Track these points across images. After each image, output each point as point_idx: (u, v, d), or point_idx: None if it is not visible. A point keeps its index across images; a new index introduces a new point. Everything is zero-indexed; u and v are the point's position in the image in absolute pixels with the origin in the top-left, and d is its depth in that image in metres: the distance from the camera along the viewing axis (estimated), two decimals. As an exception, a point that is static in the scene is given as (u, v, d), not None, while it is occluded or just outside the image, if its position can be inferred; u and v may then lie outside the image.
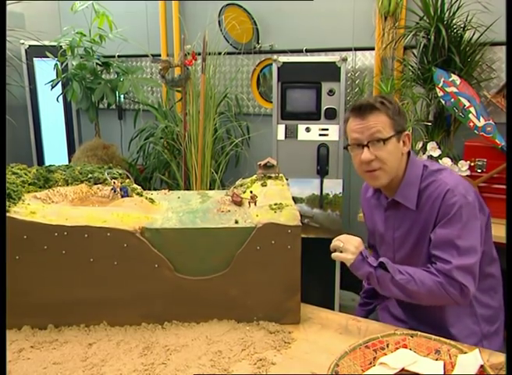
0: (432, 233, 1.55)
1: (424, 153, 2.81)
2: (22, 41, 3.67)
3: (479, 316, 1.67)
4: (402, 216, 1.65)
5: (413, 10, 2.93)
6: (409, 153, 1.66)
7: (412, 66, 3.00)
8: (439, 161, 2.76)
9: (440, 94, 2.72)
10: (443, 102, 2.73)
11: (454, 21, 2.76)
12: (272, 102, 3.59)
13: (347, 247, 1.57)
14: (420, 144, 2.83)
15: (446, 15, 2.76)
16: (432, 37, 2.73)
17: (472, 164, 2.73)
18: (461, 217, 1.51)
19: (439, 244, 1.52)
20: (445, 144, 2.90)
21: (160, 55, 3.96)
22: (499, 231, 2.50)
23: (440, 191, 1.55)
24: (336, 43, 3.41)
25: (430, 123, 2.90)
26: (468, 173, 2.73)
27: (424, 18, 2.84)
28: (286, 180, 2.02)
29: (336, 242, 1.60)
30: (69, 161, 3.96)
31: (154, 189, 3.77)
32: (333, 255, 1.60)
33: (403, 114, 1.64)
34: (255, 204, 1.71)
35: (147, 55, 3.90)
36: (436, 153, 2.77)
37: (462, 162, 2.74)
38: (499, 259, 1.76)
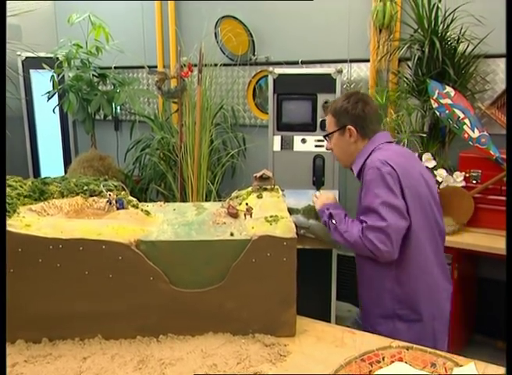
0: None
1: (419, 164, 2.82)
2: (18, 53, 3.68)
3: (395, 294, 1.82)
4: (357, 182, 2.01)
5: (407, 23, 2.96)
6: (376, 135, 1.92)
7: (407, 78, 3.03)
8: (435, 172, 2.77)
9: (435, 105, 2.74)
10: (438, 114, 2.75)
11: (448, 34, 2.80)
12: (267, 113, 3.60)
13: (317, 200, 2.04)
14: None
15: (440, 28, 2.79)
16: (427, 50, 2.76)
17: (467, 175, 2.75)
18: (375, 187, 1.76)
19: (362, 207, 1.82)
20: (440, 156, 2.92)
21: (156, 67, 3.98)
22: (496, 243, 2.52)
23: (366, 165, 1.85)
24: (331, 55, 3.44)
25: (425, 135, 2.92)
26: (463, 183, 2.74)
27: (419, 31, 2.87)
28: (282, 191, 2.03)
29: (314, 198, 2.09)
30: (65, 172, 3.95)
31: (151, 200, 3.77)
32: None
33: (347, 110, 1.90)
34: (251, 216, 1.71)
35: (143, 67, 3.92)
36: (431, 164, 2.78)
37: (457, 173, 2.76)
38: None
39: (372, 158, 1.84)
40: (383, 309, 1.85)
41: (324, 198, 2.01)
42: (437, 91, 2.73)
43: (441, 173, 2.77)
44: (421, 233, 1.79)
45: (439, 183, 2.77)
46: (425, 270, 1.82)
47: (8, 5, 2.65)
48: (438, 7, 2.76)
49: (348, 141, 1.93)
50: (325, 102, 3.03)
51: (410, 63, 3.01)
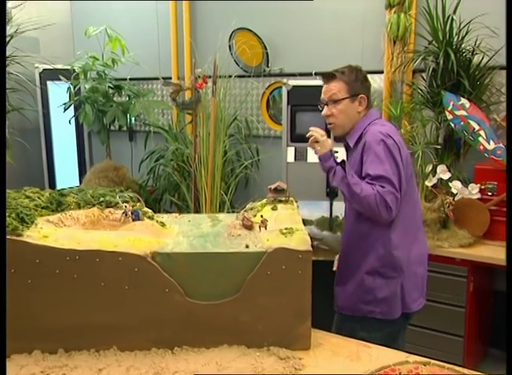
0: (364, 168, 1.90)
1: (433, 176, 2.80)
2: (36, 65, 3.74)
3: (379, 254, 1.94)
4: (350, 154, 2.05)
5: (421, 35, 2.96)
6: (371, 109, 2.05)
7: (421, 90, 3.02)
8: (449, 184, 2.75)
9: (450, 117, 2.73)
10: (453, 125, 2.74)
11: (463, 46, 2.79)
12: (281, 124, 3.61)
13: (324, 142, 1.94)
14: (430, 167, 2.82)
15: (455, 39, 2.79)
16: (441, 62, 2.75)
17: (483, 187, 2.73)
18: (384, 157, 1.87)
19: (375, 177, 1.85)
20: (455, 167, 2.90)
21: (171, 78, 4.02)
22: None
23: (365, 138, 1.93)
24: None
25: (440, 146, 2.90)
26: (479, 196, 2.72)
27: (433, 42, 2.86)
28: (296, 202, 2.02)
29: (316, 134, 1.95)
30: (80, 182, 4.00)
31: (164, 210, 3.79)
32: (310, 143, 1.98)
33: (361, 81, 2.01)
34: (265, 228, 1.71)
35: (158, 78, 3.95)
36: (446, 176, 2.76)
37: (472, 185, 2.74)
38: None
39: (373, 130, 1.93)
40: (366, 267, 1.97)
41: (329, 142, 1.98)
42: (452, 103, 2.72)
43: (456, 185, 2.75)
44: (411, 201, 1.97)
45: (453, 195, 2.76)
46: (409, 234, 1.99)
47: (26, 16, 2.71)
48: (452, 19, 2.76)
49: (357, 108, 2.00)
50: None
51: (424, 75, 3.01)
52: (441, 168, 2.79)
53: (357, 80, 2.00)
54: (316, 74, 3.49)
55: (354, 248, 2.00)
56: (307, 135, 1.99)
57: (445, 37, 2.79)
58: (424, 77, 2.99)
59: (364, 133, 1.97)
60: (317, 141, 1.96)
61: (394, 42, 3.10)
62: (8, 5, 2.54)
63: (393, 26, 3.04)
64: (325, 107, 2.02)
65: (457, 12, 2.76)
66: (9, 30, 2.49)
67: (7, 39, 2.44)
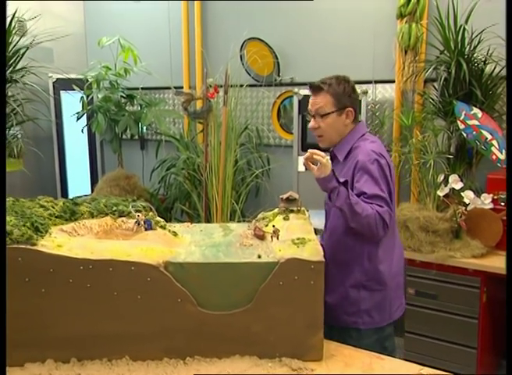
0: (358, 186, 1.89)
1: (445, 185, 2.79)
2: (50, 75, 3.78)
3: (364, 268, 1.96)
4: (336, 166, 1.97)
5: (433, 44, 2.96)
6: (359, 122, 2.06)
7: (433, 99, 3.02)
8: (462, 194, 2.74)
9: (462, 127, 2.72)
10: (465, 135, 2.73)
11: (475, 55, 2.79)
12: (292, 134, 3.62)
13: (326, 163, 1.82)
14: (441, 177, 2.81)
15: (467, 49, 2.79)
16: (453, 71, 2.75)
17: (495, 197, 2.71)
18: (379, 177, 1.89)
19: (371, 196, 1.86)
20: (467, 177, 2.88)
21: (182, 88, 4.04)
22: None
23: (357, 154, 1.94)
24: (355, 76, 3.41)
25: (452, 156, 2.89)
26: (491, 206, 2.70)
27: (445, 52, 2.86)
28: (307, 211, 2.02)
29: (318, 157, 1.81)
30: (92, 191, 4.02)
31: (175, 219, 3.80)
32: (313, 165, 1.84)
33: (349, 93, 1.98)
34: (277, 238, 1.71)
35: (169, 88, 3.99)
36: (458, 186, 2.75)
37: (485, 195, 2.72)
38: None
39: (366, 149, 1.94)
40: (350, 280, 1.97)
41: (330, 162, 1.88)
42: (464, 112, 2.71)
43: (468, 195, 2.73)
44: (393, 216, 1.98)
45: (466, 205, 2.74)
46: (391, 249, 2.03)
47: (42, 27, 2.75)
48: (464, 28, 2.76)
49: (344, 122, 2.00)
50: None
51: (436, 84, 3.00)
52: (453, 178, 2.77)
53: (344, 93, 1.98)
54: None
55: (338, 262, 1.97)
56: (304, 157, 1.88)
57: (457, 47, 2.78)
58: (436, 87, 2.99)
59: (354, 148, 1.98)
60: (313, 162, 1.86)
61: (405, 52, 3.11)
62: (25, 17, 2.59)
63: (405, 35, 3.04)
64: (312, 119, 2.02)
65: (469, 21, 2.76)
66: (25, 41, 2.53)
67: (22, 50, 2.48)
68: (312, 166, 1.83)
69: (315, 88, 1.99)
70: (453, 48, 2.79)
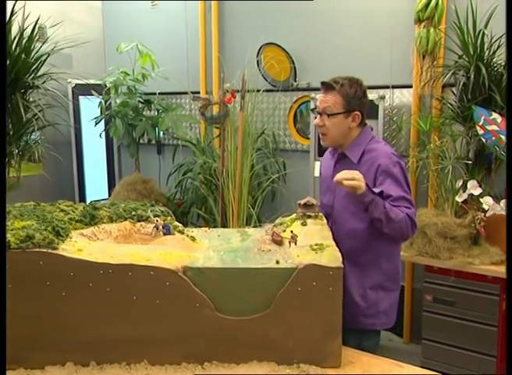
0: (384, 189, 1.90)
1: (464, 191, 2.76)
2: (69, 80, 3.83)
3: (383, 269, 2.00)
4: (345, 167, 1.95)
5: (451, 49, 2.94)
6: (365, 125, 2.07)
7: (451, 104, 2.99)
8: (481, 199, 2.71)
9: (481, 132, 2.69)
10: (484, 140, 2.70)
11: (494, 60, 2.76)
12: (308, 138, 3.62)
13: (361, 178, 1.81)
14: (460, 183, 2.78)
15: (486, 53, 2.76)
16: (472, 76, 2.72)
17: (515, 203, 2.67)
18: (402, 179, 1.95)
19: (397, 198, 1.90)
20: (486, 183, 2.85)
21: (199, 93, 4.07)
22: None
23: (377, 157, 1.96)
24: (372, 81, 3.41)
25: (470, 162, 2.86)
26: (511, 212, 2.66)
27: (464, 57, 2.84)
28: (324, 217, 2.02)
29: (353, 180, 1.79)
30: (109, 195, 4.06)
31: (191, 223, 3.82)
32: (349, 183, 1.79)
33: (360, 97, 1.99)
34: (295, 243, 1.71)
35: (186, 93, 4.01)
36: (477, 191, 2.72)
37: (504, 201, 2.68)
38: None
39: (385, 152, 1.98)
40: (370, 282, 1.99)
41: (362, 178, 1.86)
42: (483, 118, 2.68)
43: (487, 201, 2.70)
44: None
45: (485, 211, 2.71)
46: (399, 248, 2.12)
47: (62, 34, 2.79)
48: (484, 33, 2.73)
49: (350, 124, 2.00)
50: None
51: (454, 89, 2.98)
52: (472, 183, 2.74)
53: (355, 96, 1.98)
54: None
55: (357, 265, 1.97)
56: (339, 179, 1.81)
57: (476, 52, 2.76)
58: (455, 92, 2.96)
59: (368, 150, 2.00)
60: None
61: (423, 56, 3.08)
62: (46, 24, 2.64)
63: (423, 40, 3.03)
64: (319, 116, 2.02)
65: (489, 26, 2.74)
66: (46, 48, 2.57)
67: (44, 57, 2.52)
68: (347, 183, 1.79)
69: (327, 86, 1.99)
70: (472, 52, 2.77)
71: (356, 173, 1.81)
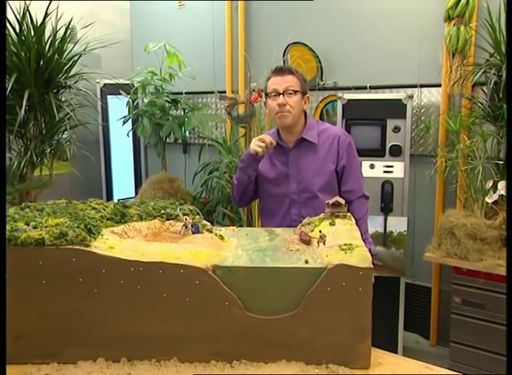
0: (340, 166, 2.23)
1: (494, 192, 2.72)
2: (97, 80, 3.89)
3: None
4: (304, 151, 2.24)
5: (483, 47, 2.89)
6: (305, 112, 2.30)
7: (482, 104, 2.94)
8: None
9: (512, 132, 2.64)
10: (516, 140, 2.64)
11: (527, 58, 2.70)
12: (335, 138, 3.60)
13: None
14: (490, 183, 2.74)
15: (519, 52, 2.70)
16: (504, 74, 2.67)
17: (548, 205, 2.61)
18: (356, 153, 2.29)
19: (352, 173, 2.27)
20: (517, 184, 2.79)
21: (225, 92, 4.08)
22: None
23: (335, 134, 2.26)
24: (400, 80, 3.40)
25: (501, 162, 2.81)
26: (543, 214, 2.61)
27: (495, 55, 2.79)
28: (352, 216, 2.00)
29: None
30: (136, 193, 4.11)
31: (217, 222, 3.84)
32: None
33: (307, 84, 2.26)
34: (324, 243, 1.70)
35: (212, 92, 4.03)
36: (508, 192, 2.67)
37: (537, 202, 2.62)
38: None
39: (334, 128, 2.33)
40: None
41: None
42: (515, 117, 2.63)
43: (519, 202, 2.65)
44: None
45: (516, 212, 2.66)
46: None
47: (92, 34, 2.84)
48: (516, 31, 2.68)
49: (303, 106, 2.24)
50: (395, 128, 3.00)
51: (485, 88, 2.93)
52: (502, 184, 2.70)
53: (306, 82, 2.24)
54: (371, 88, 3.47)
55: None
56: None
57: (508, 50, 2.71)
58: (485, 91, 2.91)
59: (321, 131, 2.25)
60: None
61: (453, 55, 3.04)
62: (77, 25, 2.69)
63: (453, 38, 2.98)
64: (281, 96, 2.15)
65: (521, 23, 2.68)
66: (78, 48, 2.62)
67: (76, 57, 2.57)
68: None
69: (287, 70, 2.20)
70: (504, 50, 2.72)
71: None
